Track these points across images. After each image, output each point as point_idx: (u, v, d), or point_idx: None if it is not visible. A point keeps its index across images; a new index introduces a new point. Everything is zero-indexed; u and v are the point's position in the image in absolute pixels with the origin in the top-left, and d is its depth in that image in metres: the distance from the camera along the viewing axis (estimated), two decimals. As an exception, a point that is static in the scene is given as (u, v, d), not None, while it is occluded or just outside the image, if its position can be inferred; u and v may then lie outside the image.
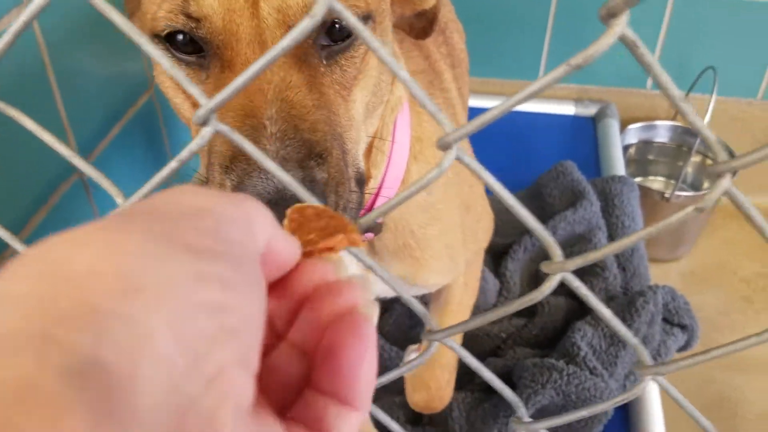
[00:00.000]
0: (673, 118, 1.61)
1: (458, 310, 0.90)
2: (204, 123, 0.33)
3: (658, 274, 1.48)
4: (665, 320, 1.08)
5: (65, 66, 0.93)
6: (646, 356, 0.40)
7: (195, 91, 0.33)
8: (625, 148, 1.58)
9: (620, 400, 0.44)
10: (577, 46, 0.28)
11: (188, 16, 0.48)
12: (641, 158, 1.62)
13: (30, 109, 0.40)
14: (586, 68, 1.41)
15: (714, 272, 1.54)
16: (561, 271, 0.35)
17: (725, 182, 0.26)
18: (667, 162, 1.61)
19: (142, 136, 1.20)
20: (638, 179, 1.62)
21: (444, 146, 0.32)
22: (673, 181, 1.60)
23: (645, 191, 1.41)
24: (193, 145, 0.34)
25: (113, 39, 1.02)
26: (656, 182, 1.64)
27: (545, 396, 0.93)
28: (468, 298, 0.92)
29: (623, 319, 1.02)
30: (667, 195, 1.41)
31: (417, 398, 0.92)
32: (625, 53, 0.28)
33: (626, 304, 1.05)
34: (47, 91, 0.92)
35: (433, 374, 0.89)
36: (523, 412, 0.47)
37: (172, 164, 0.35)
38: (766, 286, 1.50)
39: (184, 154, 0.35)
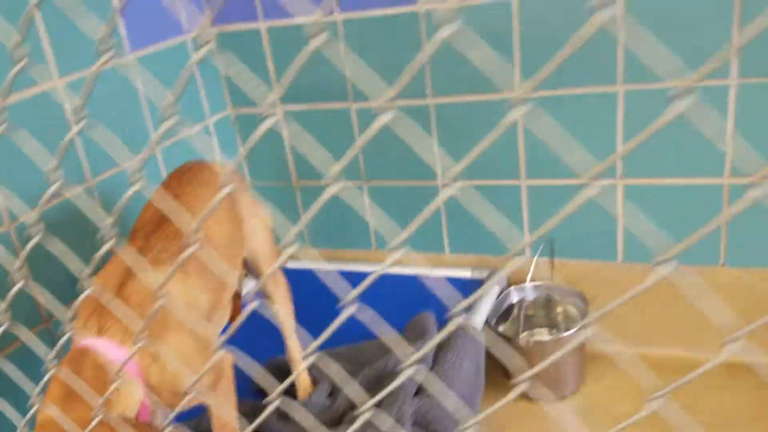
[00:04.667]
0: (533, 279, 1.86)
1: None
2: None
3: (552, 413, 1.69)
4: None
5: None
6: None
7: None
8: (510, 306, 1.85)
9: None
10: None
11: None
12: (525, 313, 1.88)
13: None
14: (481, 240, 1.82)
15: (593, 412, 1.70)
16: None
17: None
18: (543, 314, 1.86)
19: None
20: (524, 333, 1.87)
21: None
22: (554, 330, 1.84)
23: (506, 338, 1.68)
24: None
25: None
26: (541, 333, 1.88)
27: None
28: None
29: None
30: (518, 341, 1.66)
31: None
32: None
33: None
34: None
35: None
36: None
37: None
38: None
39: None
